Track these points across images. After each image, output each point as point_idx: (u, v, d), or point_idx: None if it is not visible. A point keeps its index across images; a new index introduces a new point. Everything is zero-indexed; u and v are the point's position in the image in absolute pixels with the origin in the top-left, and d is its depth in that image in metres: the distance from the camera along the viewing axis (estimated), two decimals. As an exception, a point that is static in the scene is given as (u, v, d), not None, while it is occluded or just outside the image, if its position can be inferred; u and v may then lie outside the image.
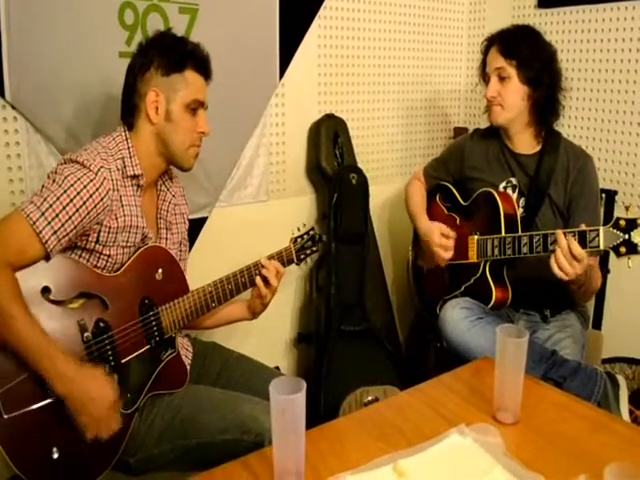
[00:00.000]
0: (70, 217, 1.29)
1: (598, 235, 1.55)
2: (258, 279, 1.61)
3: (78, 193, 1.30)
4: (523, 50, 1.84)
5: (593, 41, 2.34)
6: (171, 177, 1.64)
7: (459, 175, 2.11)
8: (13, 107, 1.71)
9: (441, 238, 2.00)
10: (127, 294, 1.40)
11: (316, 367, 2.31)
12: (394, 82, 2.65)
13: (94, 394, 1.25)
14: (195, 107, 1.49)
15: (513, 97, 1.87)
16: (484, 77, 1.96)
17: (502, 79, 1.87)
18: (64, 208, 1.28)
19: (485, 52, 1.95)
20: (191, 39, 1.54)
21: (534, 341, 1.76)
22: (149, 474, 1.45)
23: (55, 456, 1.26)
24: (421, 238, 2.12)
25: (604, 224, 1.58)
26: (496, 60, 1.87)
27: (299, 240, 1.75)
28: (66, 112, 1.79)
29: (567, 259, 1.57)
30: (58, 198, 1.29)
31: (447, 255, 2.00)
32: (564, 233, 1.60)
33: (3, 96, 1.68)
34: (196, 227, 2.09)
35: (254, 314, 1.71)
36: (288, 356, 2.53)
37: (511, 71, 1.85)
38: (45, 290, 1.28)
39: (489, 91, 1.89)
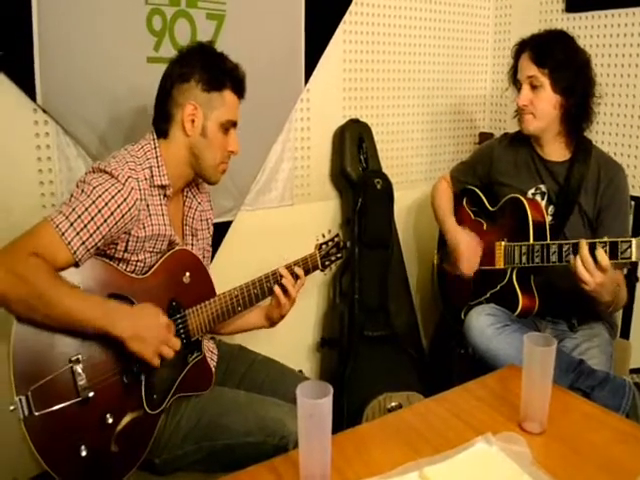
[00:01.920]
0: (98, 228, 1.31)
1: (630, 246, 1.53)
2: (277, 288, 1.62)
3: (106, 204, 1.32)
4: (556, 58, 1.80)
5: (622, 46, 2.31)
6: (197, 184, 1.65)
7: (487, 180, 2.09)
8: (44, 111, 1.74)
9: (469, 254, 2.02)
10: (155, 296, 1.41)
11: (339, 372, 2.31)
12: (419, 87, 2.65)
13: (150, 325, 1.32)
14: (228, 127, 1.51)
15: (545, 106, 1.83)
16: (515, 82, 1.93)
17: (534, 87, 1.83)
18: (92, 219, 1.30)
19: (516, 57, 1.90)
20: (218, 45, 1.56)
21: (561, 350, 1.73)
22: (174, 475, 1.46)
23: (83, 454, 1.27)
24: (447, 242, 2.11)
25: (633, 232, 1.56)
26: (528, 68, 1.83)
27: (324, 247, 1.76)
28: (95, 115, 1.82)
29: (587, 268, 1.57)
30: (87, 209, 1.30)
31: (471, 272, 2.03)
32: (587, 242, 1.59)
33: (34, 100, 1.72)
34: (221, 231, 2.11)
35: (272, 323, 1.72)
36: (311, 360, 2.54)
37: (544, 80, 1.81)
38: (75, 290, 1.31)
39: (521, 99, 1.85)
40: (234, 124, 1.53)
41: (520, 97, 1.86)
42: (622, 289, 1.77)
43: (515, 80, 1.92)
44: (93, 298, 1.29)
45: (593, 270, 1.57)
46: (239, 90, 1.52)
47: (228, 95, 1.49)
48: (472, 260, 2.02)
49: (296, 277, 1.65)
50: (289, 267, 1.65)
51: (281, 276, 1.62)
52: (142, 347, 1.31)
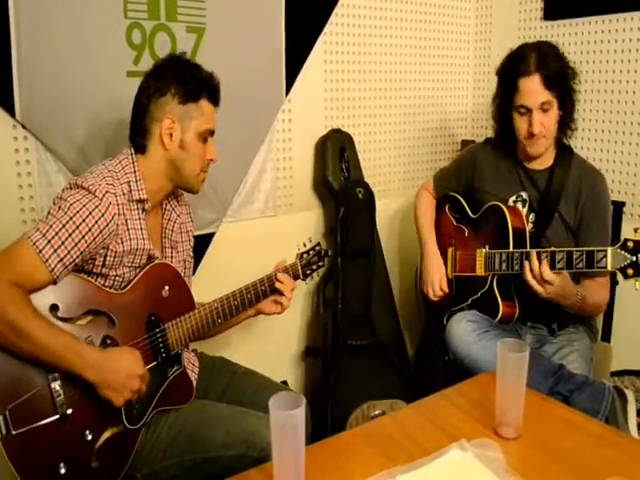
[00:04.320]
0: (76, 244, 1.31)
1: (606, 256, 1.56)
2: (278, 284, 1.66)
3: (84, 220, 1.32)
4: (562, 76, 1.78)
5: (599, 52, 2.35)
6: (176, 196, 1.65)
7: (470, 185, 2.10)
8: (23, 126, 1.75)
9: (438, 288, 2.06)
10: (134, 311, 1.42)
11: (323, 381, 2.32)
12: (401, 96, 2.67)
13: (123, 375, 1.31)
14: (206, 136, 1.53)
15: (554, 124, 1.82)
16: (508, 108, 1.86)
17: (545, 111, 1.79)
18: (70, 235, 1.30)
19: (512, 82, 1.82)
20: (198, 57, 1.58)
21: (541, 355, 1.75)
22: (155, 489, 1.46)
23: (62, 471, 1.27)
24: (422, 262, 2.14)
25: (612, 236, 1.58)
26: (541, 94, 1.77)
27: (305, 256, 1.77)
28: (75, 130, 1.82)
29: (537, 280, 1.66)
30: (64, 225, 1.30)
31: (433, 299, 2.08)
32: (538, 252, 1.66)
33: (13, 115, 1.72)
34: (204, 243, 2.11)
35: (259, 313, 1.72)
36: (296, 370, 2.54)
37: (553, 101, 1.79)
38: (53, 307, 1.30)
39: (536, 127, 1.78)
40: (212, 133, 1.54)
41: (534, 125, 1.79)
42: (586, 301, 1.78)
43: (509, 106, 1.86)
44: (69, 338, 1.27)
45: (542, 282, 1.65)
46: (215, 98, 1.54)
47: (205, 105, 1.50)
48: (437, 288, 2.07)
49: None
50: (282, 271, 1.68)
51: (277, 280, 1.65)
52: (112, 395, 1.30)
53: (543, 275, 1.64)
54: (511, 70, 1.83)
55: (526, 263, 1.69)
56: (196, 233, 1.77)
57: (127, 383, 1.31)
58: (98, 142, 1.86)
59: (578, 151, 2.01)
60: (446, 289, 2.07)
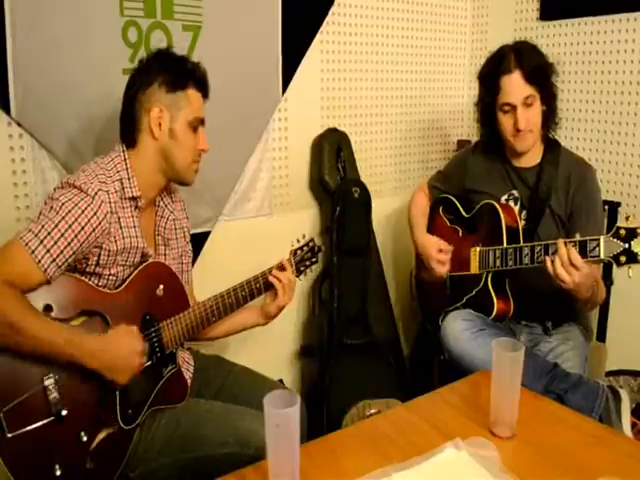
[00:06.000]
0: (69, 243, 1.30)
1: (599, 244, 1.56)
2: (274, 279, 1.65)
3: (76, 219, 1.31)
4: (542, 71, 1.83)
5: (595, 53, 2.35)
6: (170, 192, 1.65)
7: (462, 189, 2.11)
8: (19, 124, 1.74)
9: (438, 253, 2.02)
10: (128, 311, 1.41)
11: (319, 380, 2.32)
12: (397, 95, 2.67)
13: (124, 355, 1.33)
14: (196, 125, 1.52)
15: (538, 119, 1.85)
16: (493, 107, 1.88)
17: (528, 105, 1.82)
18: (62, 235, 1.29)
19: (494, 81, 1.85)
20: (194, 56, 1.57)
21: (535, 354, 1.76)
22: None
23: (58, 473, 1.26)
24: (418, 251, 2.14)
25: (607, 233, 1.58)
26: (523, 89, 1.81)
27: (299, 252, 1.76)
28: (71, 128, 1.82)
29: (565, 268, 1.59)
30: (56, 225, 1.29)
31: (444, 270, 2.03)
32: (565, 242, 1.61)
33: (9, 113, 1.71)
34: (199, 241, 2.11)
35: (268, 318, 1.73)
36: (292, 369, 2.54)
37: (535, 95, 1.82)
38: (47, 308, 1.29)
39: (521, 122, 1.81)
40: (202, 122, 1.54)
41: (519, 120, 1.82)
42: (600, 285, 1.79)
43: (493, 106, 1.89)
44: (67, 329, 1.28)
45: (570, 268, 1.59)
46: (203, 88, 1.53)
47: (192, 94, 1.50)
48: (443, 258, 2.03)
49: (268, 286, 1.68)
50: (271, 270, 1.68)
51: (272, 275, 1.66)
52: (116, 376, 1.32)
53: (573, 261, 1.58)
54: (492, 71, 1.87)
55: (548, 257, 1.65)
56: (192, 231, 1.77)
57: (129, 362, 1.34)
58: (93, 140, 1.85)
59: (574, 151, 2.02)
60: (447, 247, 2.04)
